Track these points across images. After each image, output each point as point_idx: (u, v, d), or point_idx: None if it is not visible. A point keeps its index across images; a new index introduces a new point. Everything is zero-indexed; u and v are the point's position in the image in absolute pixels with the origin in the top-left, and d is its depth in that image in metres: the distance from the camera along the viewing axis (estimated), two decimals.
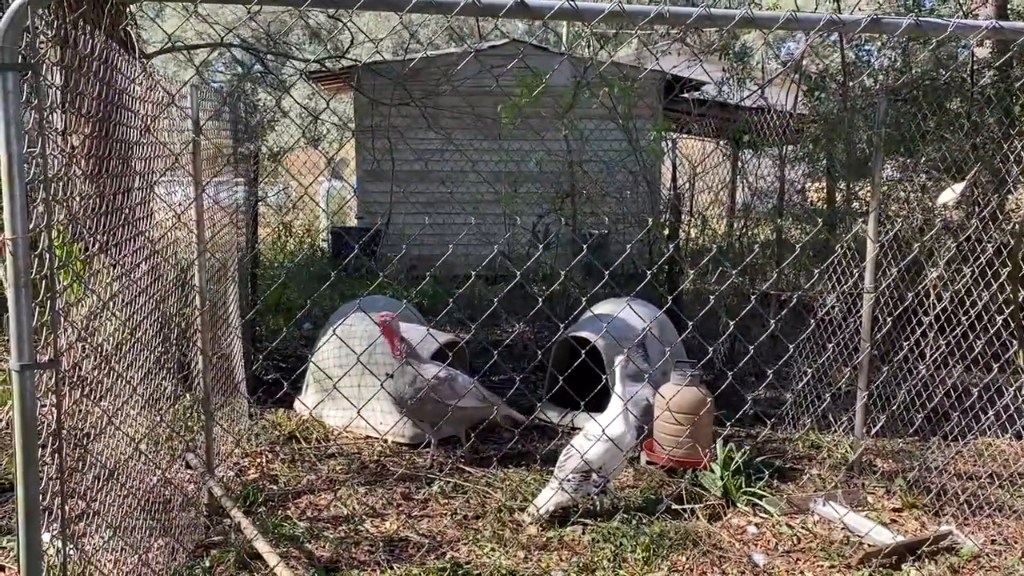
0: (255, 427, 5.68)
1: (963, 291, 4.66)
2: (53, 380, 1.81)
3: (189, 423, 5.09)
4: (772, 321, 3.48)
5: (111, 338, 2.54)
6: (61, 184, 1.97)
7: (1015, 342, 4.24)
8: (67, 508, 2.09)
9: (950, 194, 4.26)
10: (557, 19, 1.90)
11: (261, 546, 3.61)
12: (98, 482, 2.50)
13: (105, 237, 2.42)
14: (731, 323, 3.79)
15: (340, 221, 14.71)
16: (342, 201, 14.08)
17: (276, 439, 5.52)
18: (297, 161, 13.64)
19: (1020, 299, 3.74)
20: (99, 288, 2.39)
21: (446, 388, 5.14)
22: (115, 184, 2.62)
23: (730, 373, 3.92)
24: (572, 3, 1.79)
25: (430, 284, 8.52)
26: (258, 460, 5.19)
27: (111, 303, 2.46)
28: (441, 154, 11.81)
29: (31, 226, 1.73)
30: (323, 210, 14.43)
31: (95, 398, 2.37)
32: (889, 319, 4.96)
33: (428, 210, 11.94)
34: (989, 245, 4.21)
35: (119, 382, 2.59)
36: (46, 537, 4.08)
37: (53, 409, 1.86)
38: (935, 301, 4.85)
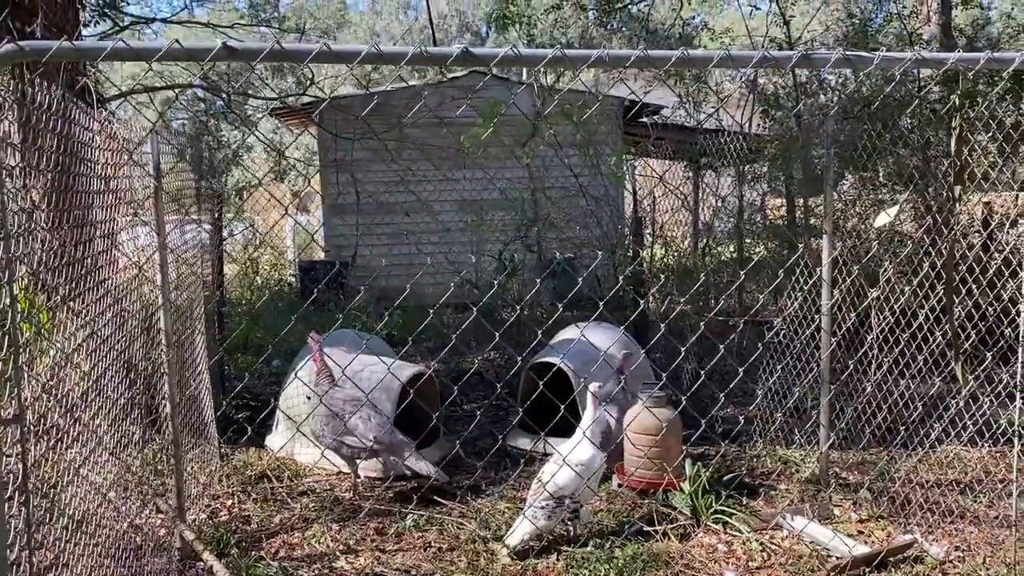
0: (226, 468, 5.65)
1: (913, 305, 4.80)
2: (19, 434, 1.82)
3: (159, 467, 5.05)
4: (726, 342, 3.57)
5: (76, 388, 2.55)
6: (22, 240, 1.99)
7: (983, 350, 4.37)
8: (35, 561, 2.09)
9: (885, 217, 4.40)
10: (502, 66, 1.98)
11: None
12: (67, 532, 2.50)
13: (68, 287, 2.44)
14: (687, 342, 3.87)
15: (307, 255, 14.71)
16: (308, 236, 14.08)
17: (248, 479, 5.50)
18: (262, 197, 13.64)
19: (954, 311, 3.87)
20: (62, 339, 2.41)
21: (337, 423, 5.11)
22: (77, 234, 2.64)
23: (683, 398, 4.01)
24: (515, 51, 1.87)
25: (398, 315, 8.56)
26: (229, 501, 5.16)
27: (75, 354, 2.47)
28: (405, 185, 11.89)
29: None
30: (289, 245, 14.42)
31: (62, 448, 2.38)
32: (841, 333, 5.08)
33: (393, 241, 11.99)
34: (936, 259, 4.35)
35: (85, 431, 2.59)
36: None
37: (19, 462, 1.88)
38: (886, 315, 4.99)
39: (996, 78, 6.48)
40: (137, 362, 3.65)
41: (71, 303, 2.47)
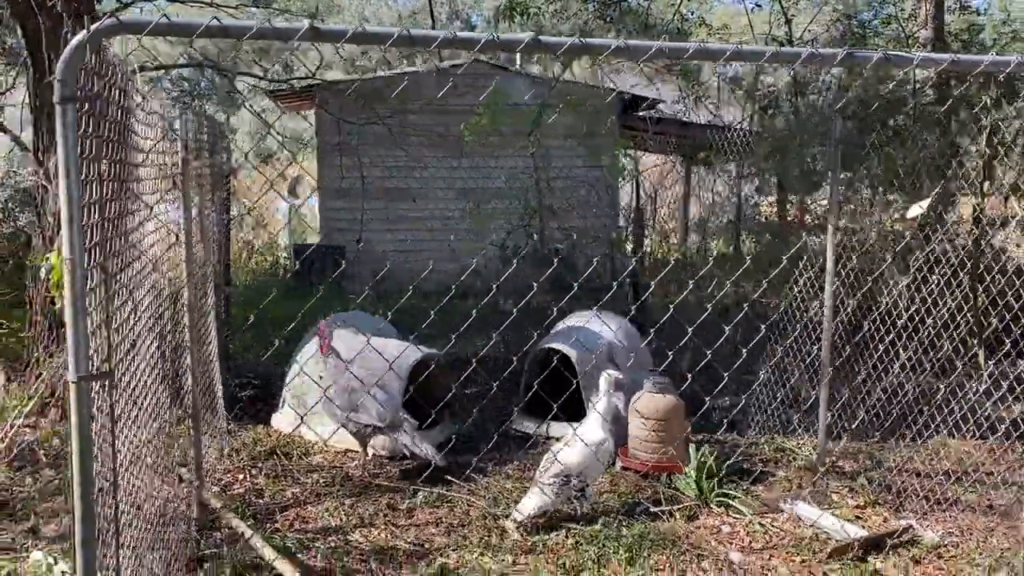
0: (235, 443, 5.74)
1: (923, 300, 4.96)
2: (107, 390, 1.92)
3: (180, 439, 5.14)
4: (727, 330, 3.70)
5: (138, 351, 2.64)
6: (96, 207, 2.08)
7: (972, 342, 4.53)
8: (118, 513, 2.18)
9: (917, 209, 4.57)
10: (526, 52, 2.10)
11: (268, 553, 3.70)
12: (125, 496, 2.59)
13: (123, 257, 2.53)
14: (687, 333, 3.98)
15: (300, 239, 14.74)
16: (303, 218, 14.12)
17: (258, 455, 5.59)
18: (252, 180, 13.67)
19: (978, 300, 4.02)
20: (121, 306, 2.49)
21: (345, 397, 5.25)
22: (128, 206, 2.73)
23: (686, 385, 4.14)
24: (536, 38, 2.00)
25: (399, 303, 8.63)
26: (241, 476, 5.26)
27: (130, 319, 2.56)
28: (409, 171, 11.95)
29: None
30: (283, 228, 14.44)
31: (140, 407, 2.47)
32: (843, 327, 5.24)
33: (393, 227, 12.05)
34: (952, 256, 4.51)
35: (146, 393, 2.68)
36: (37, 555, 4.14)
37: (107, 417, 1.97)
38: (891, 310, 5.15)
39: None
40: (167, 333, 3.73)
41: (125, 271, 2.55)
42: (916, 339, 5.10)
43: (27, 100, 6.41)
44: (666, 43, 2.06)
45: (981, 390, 5.07)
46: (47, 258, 4.61)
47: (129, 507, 2.51)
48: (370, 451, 5.67)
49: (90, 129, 1.98)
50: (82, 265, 1.82)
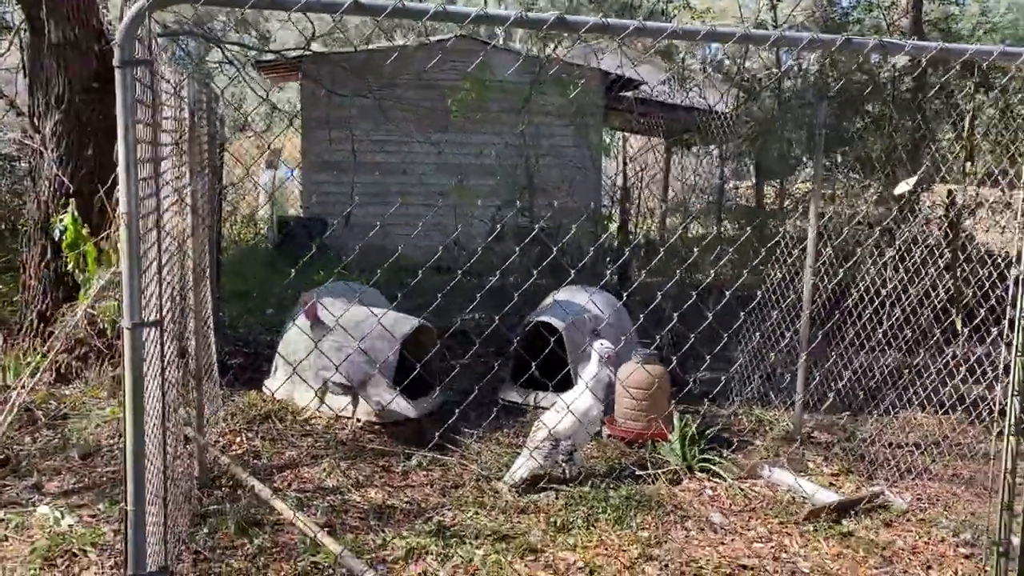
0: (230, 407, 5.86)
1: (898, 279, 5.19)
2: (160, 336, 2.05)
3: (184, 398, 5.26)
4: (711, 309, 3.89)
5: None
6: (145, 165, 2.20)
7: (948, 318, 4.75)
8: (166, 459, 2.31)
9: (905, 186, 4.79)
10: (513, 27, 2.25)
11: (280, 505, 3.87)
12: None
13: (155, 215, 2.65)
14: (670, 309, 4.17)
15: (281, 210, 14.75)
16: (286, 190, 14.14)
17: (253, 418, 5.72)
18: (238, 150, 13.64)
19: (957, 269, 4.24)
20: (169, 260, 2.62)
21: (321, 360, 5.49)
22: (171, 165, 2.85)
23: (674, 358, 4.35)
24: (524, 14, 2.15)
25: (382, 274, 8.75)
26: (238, 438, 5.39)
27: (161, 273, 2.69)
28: (395, 145, 12.00)
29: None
30: (268, 198, 14.44)
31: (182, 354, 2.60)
32: (821, 300, 5.46)
33: (377, 200, 12.12)
34: (928, 238, 4.72)
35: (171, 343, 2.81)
36: (44, 509, 4.25)
37: (159, 362, 2.10)
38: (864, 294, 5.39)
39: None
40: (175, 296, 3.85)
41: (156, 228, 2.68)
42: (891, 319, 5.34)
43: (24, 64, 6.43)
44: (644, 22, 2.22)
45: (945, 369, 5.31)
46: (60, 219, 4.69)
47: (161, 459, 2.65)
48: (361, 417, 5.83)
49: (144, 95, 2.10)
50: (137, 220, 1.95)
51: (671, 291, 7.58)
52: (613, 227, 8.81)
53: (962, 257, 5.71)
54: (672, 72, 10.31)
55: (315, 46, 13.43)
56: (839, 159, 6.96)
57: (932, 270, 5.24)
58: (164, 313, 2.31)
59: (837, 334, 5.75)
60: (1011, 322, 2.76)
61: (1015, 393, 2.65)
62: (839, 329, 5.64)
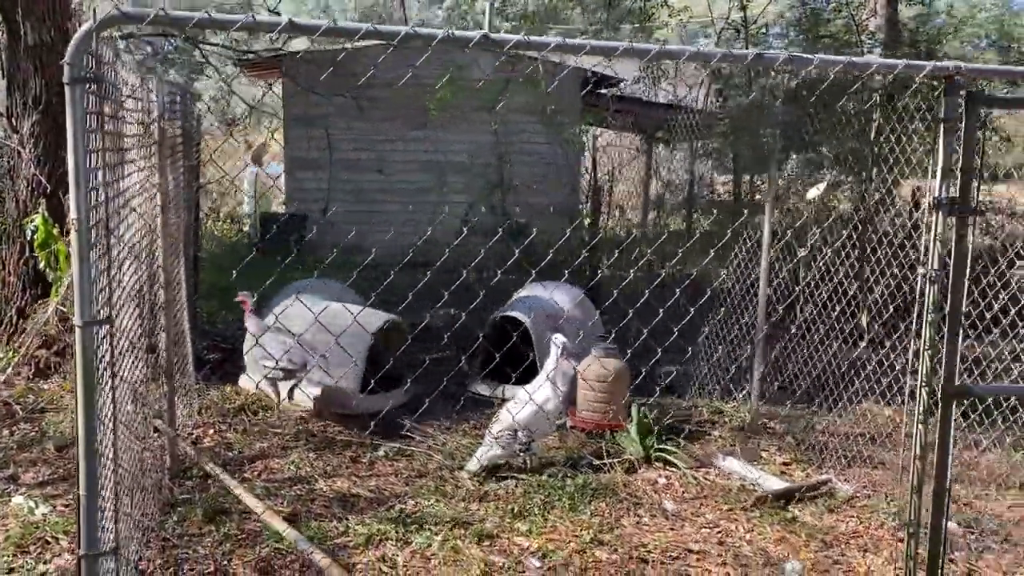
0: (204, 401, 6.02)
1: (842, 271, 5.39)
2: (108, 334, 2.21)
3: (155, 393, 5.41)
4: (667, 303, 4.05)
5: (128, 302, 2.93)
6: (97, 174, 2.36)
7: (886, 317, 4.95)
8: (117, 452, 2.47)
9: (815, 191, 4.97)
10: (478, 48, 2.42)
11: (249, 499, 4.02)
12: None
13: (116, 220, 2.81)
14: (637, 303, 4.33)
15: (263, 207, 14.87)
16: (266, 188, 14.25)
17: (227, 412, 5.88)
18: (215, 146, 13.75)
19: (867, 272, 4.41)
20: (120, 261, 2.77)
21: (259, 350, 5.84)
22: (124, 171, 3.00)
23: (629, 351, 4.53)
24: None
25: (358, 272, 8.91)
26: (211, 431, 5.55)
27: (120, 272, 2.84)
28: (374, 143, 12.13)
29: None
30: (249, 196, 14.55)
31: (134, 350, 2.75)
32: (774, 297, 5.65)
33: (356, 198, 12.26)
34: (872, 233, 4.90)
35: (135, 341, 2.96)
36: (19, 500, 4.41)
37: (109, 358, 2.25)
38: (816, 287, 5.59)
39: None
40: (144, 294, 4.00)
41: (116, 231, 2.83)
42: (839, 313, 5.54)
43: (2, 65, 6.54)
44: (594, 41, 2.38)
45: (887, 361, 5.51)
46: (31, 220, 4.83)
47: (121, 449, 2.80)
48: (302, 402, 5.99)
49: (94, 107, 2.26)
50: (86, 225, 2.11)
51: (638, 285, 7.80)
52: (587, 223, 8.98)
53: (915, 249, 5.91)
54: (646, 70, 10.46)
55: (297, 44, 13.56)
56: (794, 158, 7.14)
57: (891, 264, 5.43)
58: (115, 312, 2.47)
59: (790, 328, 5.94)
60: (918, 329, 2.94)
61: (922, 384, 2.84)
62: (789, 322, 5.84)
